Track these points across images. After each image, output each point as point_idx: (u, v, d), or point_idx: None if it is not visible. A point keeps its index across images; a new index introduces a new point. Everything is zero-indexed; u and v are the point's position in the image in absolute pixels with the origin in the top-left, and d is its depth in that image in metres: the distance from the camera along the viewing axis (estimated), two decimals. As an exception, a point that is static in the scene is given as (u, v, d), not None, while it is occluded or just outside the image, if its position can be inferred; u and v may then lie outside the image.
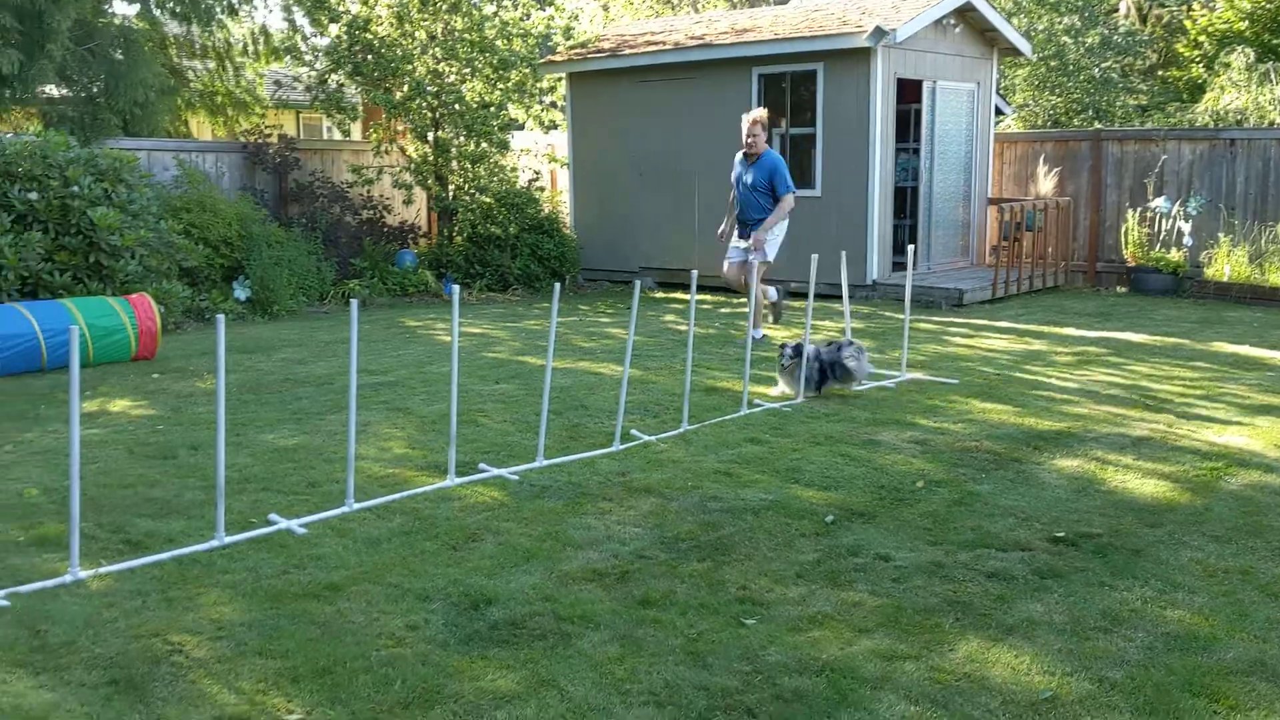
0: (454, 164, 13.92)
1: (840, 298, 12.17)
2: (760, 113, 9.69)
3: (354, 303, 4.99)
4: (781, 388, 7.50)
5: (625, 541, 4.67)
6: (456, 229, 14.18)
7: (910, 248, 8.43)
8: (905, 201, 13.85)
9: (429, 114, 13.71)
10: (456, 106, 13.57)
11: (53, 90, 13.49)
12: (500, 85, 14.04)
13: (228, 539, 4.56)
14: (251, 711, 3.22)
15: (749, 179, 9.62)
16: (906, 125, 13.55)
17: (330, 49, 13.99)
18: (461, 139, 13.84)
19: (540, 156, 15.27)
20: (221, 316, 4.48)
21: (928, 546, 4.63)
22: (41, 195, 9.36)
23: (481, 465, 5.69)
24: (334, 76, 14.03)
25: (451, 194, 14.12)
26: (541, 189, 14.92)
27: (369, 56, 13.67)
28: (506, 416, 6.85)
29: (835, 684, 3.44)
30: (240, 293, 11.51)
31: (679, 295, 13.33)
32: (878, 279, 12.69)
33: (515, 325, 10.92)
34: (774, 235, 9.69)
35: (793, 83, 13.05)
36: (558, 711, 3.26)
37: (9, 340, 7.86)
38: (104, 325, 8.35)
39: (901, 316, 10.89)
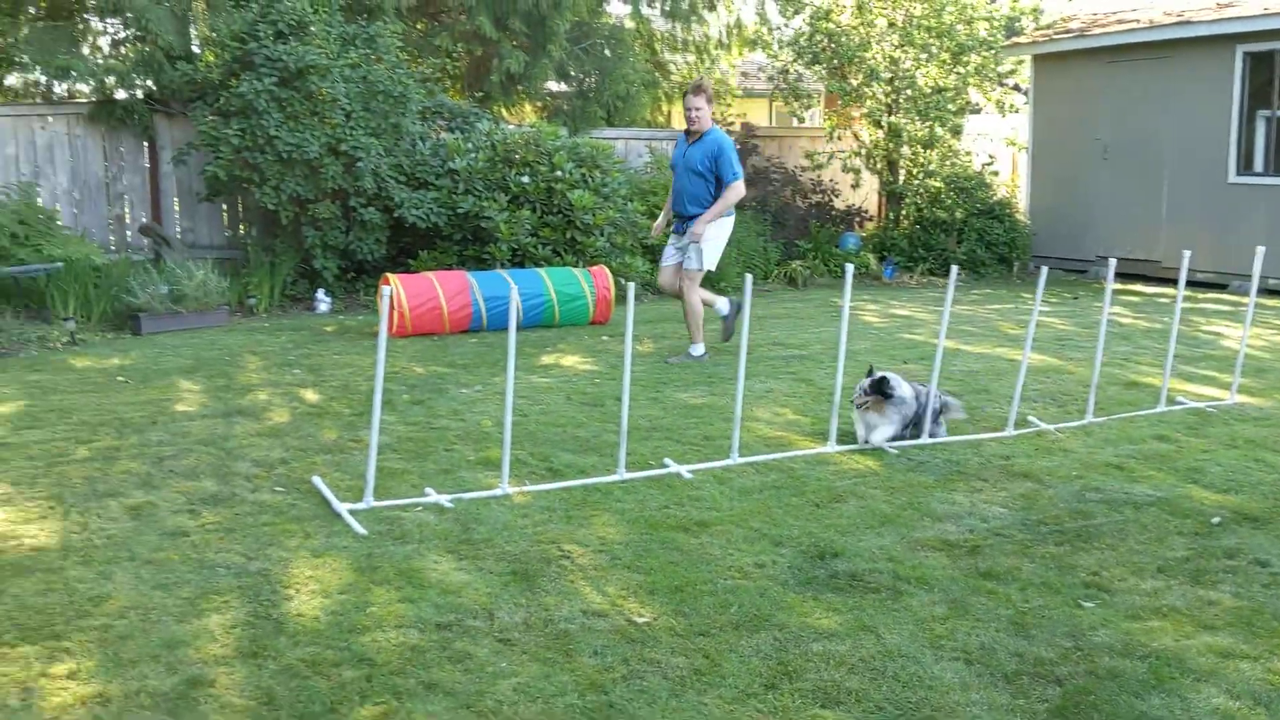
0: (905, 149, 14.08)
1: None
2: (702, 82, 8.01)
3: (747, 278, 5.54)
4: (860, 432, 5.92)
5: (986, 519, 4.80)
6: (903, 213, 14.35)
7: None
8: None
9: (883, 100, 13.98)
10: (909, 92, 13.72)
11: (554, 86, 15.37)
12: (958, 69, 13.98)
13: (627, 475, 5.27)
14: (610, 610, 3.84)
15: (688, 161, 7.95)
16: None
17: (792, 40, 14.67)
18: (915, 124, 13.97)
19: (998, 140, 15.00)
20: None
21: (1320, 559, 4.33)
22: (532, 179, 10.84)
23: (864, 436, 6.01)
24: (794, 66, 14.69)
25: (901, 178, 14.30)
26: (995, 173, 14.67)
27: (828, 45, 14.17)
28: (903, 394, 7.08)
29: (1156, 670, 3.44)
30: (693, 269, 12.50)
31: (1135, 286, 12.62)
32: (1375, 280, 11.24)
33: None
34: (715, 236, 8.01)
35: (1285, 59, 11.83)
36: (869, 653, 3.56)
37: (494, 301, 9.28)
38: (568, 292, 9.58)
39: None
